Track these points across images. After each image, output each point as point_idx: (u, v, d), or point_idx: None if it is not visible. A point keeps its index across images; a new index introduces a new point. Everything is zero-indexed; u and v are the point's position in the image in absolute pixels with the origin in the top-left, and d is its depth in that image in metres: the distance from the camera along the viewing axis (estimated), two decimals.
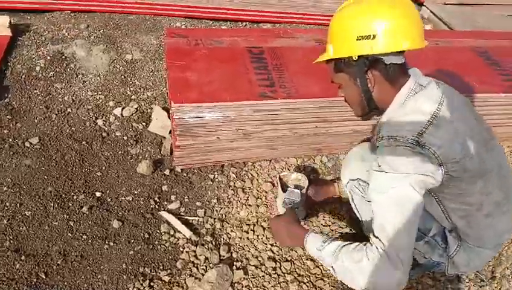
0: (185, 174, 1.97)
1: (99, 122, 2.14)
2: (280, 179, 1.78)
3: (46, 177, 1.81)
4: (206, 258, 1.64)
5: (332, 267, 1.21)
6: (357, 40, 1.19)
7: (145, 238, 1.67)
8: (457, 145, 1.17)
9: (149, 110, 2.26)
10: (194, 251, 1.66)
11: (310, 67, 1.98)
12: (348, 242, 1.22)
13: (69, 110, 2.17)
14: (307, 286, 1.60)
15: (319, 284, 1.61)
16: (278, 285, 1.59)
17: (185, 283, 1.55)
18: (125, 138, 2.09)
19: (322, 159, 2.13)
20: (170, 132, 2.12)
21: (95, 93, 2.30)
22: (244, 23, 3.03)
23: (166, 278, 1.55)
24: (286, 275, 1.63)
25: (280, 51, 2.08)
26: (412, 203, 1.14)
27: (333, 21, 1.28)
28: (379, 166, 1.17)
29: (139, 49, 2.57)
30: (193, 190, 1.91)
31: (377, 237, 1.14)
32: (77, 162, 1.92)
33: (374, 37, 1.17)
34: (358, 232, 1.73)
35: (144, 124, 2.19)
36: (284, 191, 1.69)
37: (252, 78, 1.89)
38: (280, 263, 1.66)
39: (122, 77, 2.42)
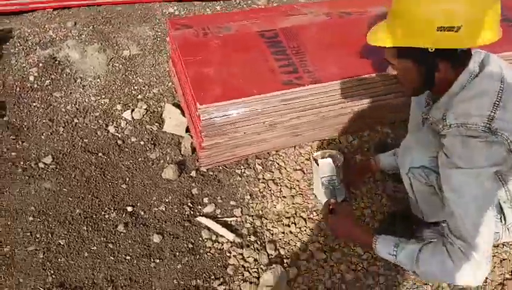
0: (211, 173, 1.90)
1: (111, 129, 2.02)
2: (314, 159, 1.72)
3: (70, 198, 1.71)
4: (255, 260, 1.60)
5: (414, 272, 1.20)
6: (437, 30, 1.07)
7: (190, 248, 1.61)
8: None
9: (159, 109, 2.14)
10: (241, 254, 1.62)
11: (329, 45, 1.91)
12: (423, 243, 1.20)
13: (75, 120, 2.04)
14: (362, 273, 1.58)
15: (372, 269, 1.59)
16: (334, 276, 1.57)
17: (241, 289, 1.51)
18: (141, 142, 1.98)
19: (348, 138, 2.07)
20: (187, 130, 2.02)
21: (99, 98, 2.16)
22: (238, 0, 2.87)
23: (221, 288, 1.51)
24: (338, 264, 1.60)
25: (294, 31, 1.97)
26: (490, 198, 1.12)
27: (404, 1, 1.12)
28: (450, 158, 1.12)
29: (136, 42, 2.40)
30: (223, 188, 1.84)
31: (458, 238, 1.12)
32: (99, 176, 1.81)
33: (458, 29, 1.05)
34: (404, 211, 1.69)
35: (157, 124, 2.07)
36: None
37: (273, 66, 1.78)
38: (330, 253, 1.63)
39: (124, 76, 2.27)
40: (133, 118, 2.08)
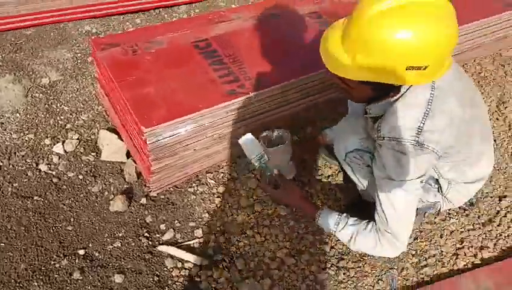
0: (163, 197, 1.80)
1: (43, 167, 1.83)
2: (262, 138, 1.69)
3: (11, 253, 1.52)
4: (227, 279, 1.55)
5: (347, 244, 1.44)
6: (406, 69, 1.08)
7: (156, 281, 1.52)
8: (453, 132, 1.23)
9: (93, 137, 1.98)
10: (211, 276, 1.56)
11: (264, 49, 1.91)
12: (359, 226, 1.40)
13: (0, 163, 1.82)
14: (332, 270, 1.61)
15: (341, 264, 1.63)
16: (307, 279, 1.58)
17: None
18: (80, 177, 1.82)
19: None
20: (128, 155, 1.90)
21: (22, 134, 1.94)
22: (157, 10, 2.75)
23: None
24: (309, 266, 1.61)
25: (226, 38, 1.93)
26: (415, 201, 1.33)
27: (375, 32, 1.06)
28: (385, 169, 1.27)
29: (54, 68, 2.20)
30: (179, 211, 1.76)
31: (386, 229, 1.33)
32: (40, 222, 1.63)
33: (426, 67, 1.08)
34: (359, 199, 1.76)
35: (93, 154, 1.92)
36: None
37: (213, 77, 1.73)
38: (299, 257, 1.64)
39: (46, 106, 2.07)
40: (65, 151, 1.90)
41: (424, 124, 1.19)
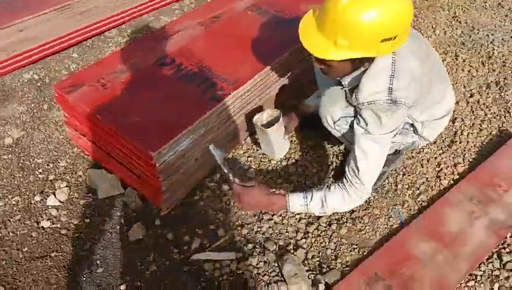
0: (173, 213, 1.85)
1: (45, 224, 1.78)
2: (260, 126, 1.84)
3: None
4: (265, 262, 1.67)
5: (322, 213, 1.62)
6: (381, 42, 1.27)
7: (203, 287, 1.59)
8: (417, 85, 1.46)
9: (81, 179, 1.96)
10: (250, 265, 1.67)
11: (225, 51, 2.01)
12: (324, 189, 1.58)
13: None
14: (350, 223, 1.80)
15: (354, 215, 1.82)
16: (332, 237, 1.75)
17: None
18: (86, 221, 1.81)
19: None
20: (125, 185, 1.91)
21: (7, 200, 1.86)
22: (90, 41, 2.70)
23: None
24: (329, 226, 1.79)
25: (185, 50, 2.00)
26: (386, 153, 1.56)
27: (351, 18, 1.24)
28: (366, 126, 1.48)
29: (13, 125, 2.11)
30: (194, 219, 1.83)
31: (357, 180, 1.52)
32: (68, 276, 1.61)
33: (395, 37, 1.27)
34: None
35: (90, 195, 1.91)
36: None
37: (191, 88, 1.81)
38: (317, 222, 1.80)
39: (19, 164, 1.99)
40: (60, 201, 1.86)
41: (392, 84, 1.41)
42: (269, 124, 1.86)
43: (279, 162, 2.05)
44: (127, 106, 1.74)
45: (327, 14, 1.29)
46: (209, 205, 1.89)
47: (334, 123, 1.71)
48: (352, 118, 1.63)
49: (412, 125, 1.76)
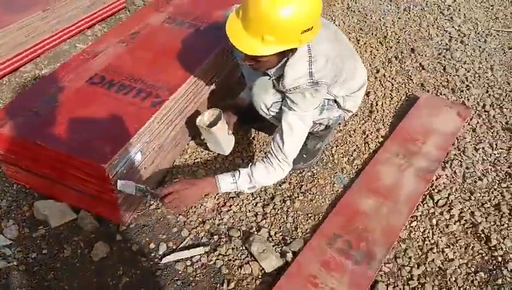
0: (133, 226, 1.87)
1: (1, 264, 1.69)
2: (204, 127, 1.92)
3: None
4: (233, 249, 1.76)
5: (251, 188, 1.71)
6: (301, 33, 1.43)
7: (180, 285, 1.64)
8: (332, 65, 1.66)
9: (28, 214, 1.89)
10: (220, 254, 1.74)
11: (151, 61, 2.08)
12: (250, 165, 1.70)
13: None
14: (302, 195, 1.96)
15: (303, 189, 1.99)
16: (288, 212, 1.89)
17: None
18: (44, 252, 1.75)
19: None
20: (74, 209, 1.88)
21: None
22: (6, 78, 2.59)
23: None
24: (283, 203, 1.93)
25: (112, 68, 2.02)
26: (308, 128, 1.72)
27: (273, 16, 1.37)
28: (293, 104, 1.64)
29: None
30: (155, 227, 1.86)
31: (281, 153, 1.67)
32: None
33: (312, 28, 1.45)
34: None
35: (41, 227, 1.84)
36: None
37: (128, 100, 1.85)
38: (272, 202, 1.93)
39: None
40: (11, 239, 1.78)
41: (311, 68, 1.60)
42: (212, 124, 1.96)
43: (225, 158, 2.16)
44: (67, 127, 1.73)
45: (251, 15, 1.43)
46: (166, 210, 1.92)
47: (267, 109, 1.86)
48: (282, 102, 1.80)
49: (335, 101, 1.97)
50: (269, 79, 1.77)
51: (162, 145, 1.92)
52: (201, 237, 1.82)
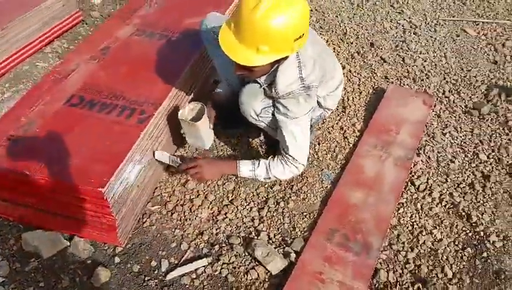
0: (129, 246, 1.84)
1: None
2: (186, 121, 1.90)
3: None
4: (235, 255, 1.79)
5: (267, 178, 1.87)
6: (294, 41, 1.47)
7: None
8: (318, 67, 1.72)
9: (16, 248, 1.80)
10: (225, 263, 1.76)
11: (130, 75, 2.05)
12: (269, 158, 1.85)
13: None
14: (294, 195, 2.02)
15: (294, 189, 2.05)
16: (285, 214, 1.94)
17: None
18: (41, 285, 1.68)
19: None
20: (67, 237, 1.82)
21: None
22: None
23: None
24: (277, 205, 1.98)
25: (88, 87, 1.97)
26: (308, 130, 1.82)
27: (267, 27, 1.41)
28: (287, 112, 1.71)
29: None
30: (153, 244, 1.84)
31: (290, 155, 1.79)
32: None
33: (303, 35, 1.49)
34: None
35: (33, 259, 1.76)
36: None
37: (113, 119, 1.81)
38: (267, 205, 1.97)
39: None
40: (2, 276, 1.68)
41: (301, 73, 1.66)
42: (195, 118, 1.95)
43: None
44: (53, 153, 1.67)
45: (244, 27, 1.46)
46: (160, 226, 1.91)
47: (257, 116, 1.88)
48: (272, 107, 1.83)
49: (317, 101, 2.04)
50: (260, 87, 1.80)
51: (153, 160, 1.90)
52: (202, 248, 1.83)
